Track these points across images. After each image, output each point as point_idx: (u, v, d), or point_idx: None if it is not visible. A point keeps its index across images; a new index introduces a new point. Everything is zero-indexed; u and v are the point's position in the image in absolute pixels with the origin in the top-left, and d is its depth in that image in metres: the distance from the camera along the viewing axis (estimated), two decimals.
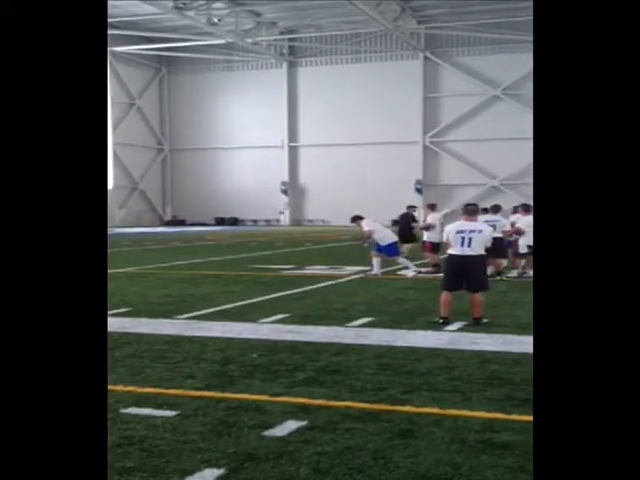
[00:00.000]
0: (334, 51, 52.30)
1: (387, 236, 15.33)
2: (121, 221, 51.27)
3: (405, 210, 18.61)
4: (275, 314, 9.74)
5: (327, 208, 52.02)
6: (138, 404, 5.42)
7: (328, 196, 52.08)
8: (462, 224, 9.14)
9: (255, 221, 54.51)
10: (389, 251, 15.25)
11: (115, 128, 51.92)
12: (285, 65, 53.84)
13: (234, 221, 54.66)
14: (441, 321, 8.94)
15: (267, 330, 8.63)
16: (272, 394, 5.68)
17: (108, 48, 50.14)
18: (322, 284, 13.59)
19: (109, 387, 5.86)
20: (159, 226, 52.83)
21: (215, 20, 44.73)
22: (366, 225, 15.34)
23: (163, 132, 57.40)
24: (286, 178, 54.26)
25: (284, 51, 53.72)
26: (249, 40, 48.25)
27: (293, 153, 54.43)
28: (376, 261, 15.20)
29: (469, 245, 8.88)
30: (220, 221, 54.63)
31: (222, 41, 47.99)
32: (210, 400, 5.52)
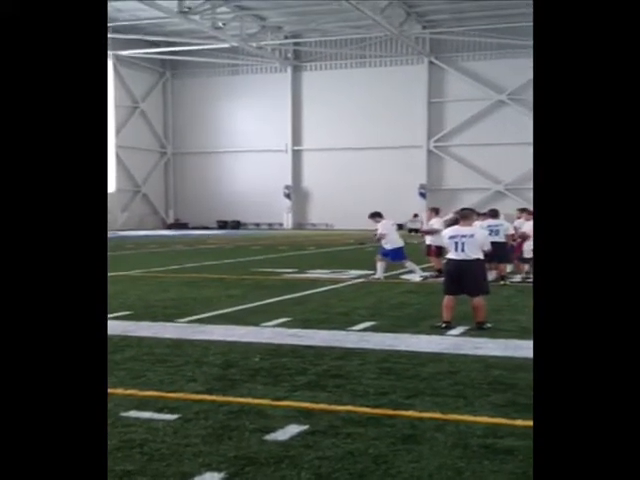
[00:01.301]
0: (339, 56, 52.31)
1: (394, 240, 15.30)
2: (123, 224, 51.32)
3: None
4: (277, 318, 9.71)
5: (330, 212, 52.01)
6: (139, 408, 5.39)
7: (331, 200, 52.07)
8: (455, 229, 9.21)
9: (258, 225, 54.50)
10: (394, 255, 15.23)
11: (118, 131, 52.01)
12: (290, 69, 53.87)
13: (237, 225, 54.66)
14: (444, 325, 8.91)
15: (269, 334, 8.60)
16: (274, 398, 5.64)
17: (112, 52, 50.29)
18: (324, 288, 13.56)
19: (110, 390, 5.84)
20: (162, 229, 52.85)
21: (220, 24, 44.78)
22: (382, 227, 15.29)
23: (166, 135, 57.48)
24: (289, 182, 54.25)
25: (289, 55, 53.76)
26: (254, 44, 48.28)
27: (297, 157, 54.44)
28: (380, 265, 15.17)
29: (462, 250, 8.93)
30: (223, 225, 54.65)
31: (227, 45, 48.06)
32: (211, 404, 5.48)
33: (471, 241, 8.98)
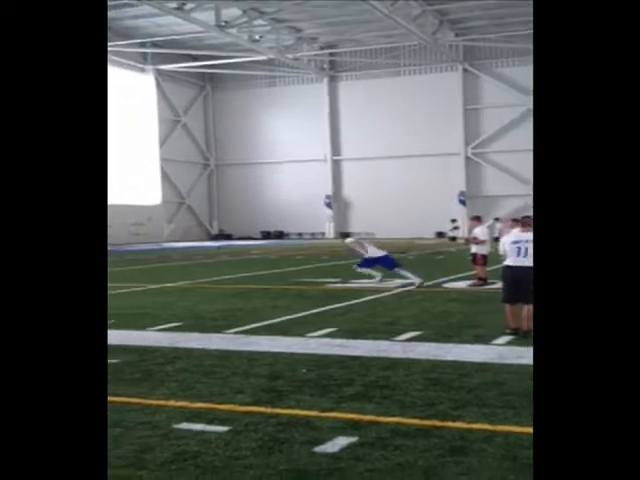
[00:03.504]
0: (374, 65, 52.36)
1: (375, 251, 16.08)
2: (169, 235, 52.03)
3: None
4: (322, 328, 9.78)
5: (371, 220, 51.95)
6: (190, 419, 5.50)
7: (372, 209, 52.04)
8: (518, 234, 9.16)
9: (301, 234, 54.71)
10: (385, 263, 15.88)
11: (162, 144, 52.82)
12: (326, 79, 54.09)
13: (280, 235, 54.99)
14: (510, 332, 8.83)
15: (315, 345, 8.68)
16: (321, 410, 5.71)
17: (154, 67, 51.14)
18: (368, 297, 13.60)
19: (162, 402, 5.99)
20: (206, 240, 53.39)
21: (257, 37, 45.22)
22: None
23: (209, 148, 58.12)
24: (330, 191, 54.39)
25: (325, 66, 54.01)
26: (290, 56, 48.62)
27: (336, 166, 54.56)
28: (406, 273, 15.55)
29: (525, 255, 8.83)
30: (266, 235, 55.01)
31: (264, 57, 48.46)
32: (260, 416, 5.57)
33: None
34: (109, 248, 31.21)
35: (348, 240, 17.35)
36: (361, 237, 17.17)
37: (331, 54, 52.66)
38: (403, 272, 15.72)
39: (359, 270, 16.17)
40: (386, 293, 14.37)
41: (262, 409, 5.76)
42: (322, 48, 51.46)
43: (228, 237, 55.40)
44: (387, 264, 15.86)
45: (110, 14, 43.92)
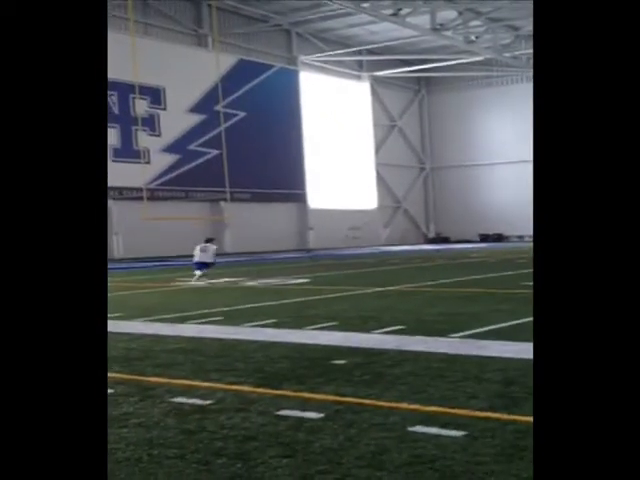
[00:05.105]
0: None
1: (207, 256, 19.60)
2: (386, 239, 52.78)
3: None
4: None
5: None
6: (424, 422, 5.44)
7: None
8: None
9: (521, 237, 53.12)
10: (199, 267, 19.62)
11: (378, 150, 53.75)
12: None
13: (499, 237, 53.76)
14: None
15: None
16: None
17: (369, 73, 52.21)
18: None
19: (394, 404, 6.00)
20: (423, 244, 53.50)
21: (473, 38, 44.60)
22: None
23: (424, 151, 58.25)
24: None
25: None
26: (508, 55, 47.42)
27: None
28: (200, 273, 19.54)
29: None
30: (484, 238, 54.03)
31: (480, 58, 47.70)
32: (497, 422, 5.39)
33: None
34: (327, 252, 32.29)
35: (201, 245, 19.61)
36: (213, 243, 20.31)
37: None
38: (200, 272, 19.43)
39: (196, 272, 19.47)
40: None
41: (498, 415, 5.58)
42: None
43: (445, 240, 55.12)
44: (201, 267, 19.48)
45: (327, 24, 45.55)
